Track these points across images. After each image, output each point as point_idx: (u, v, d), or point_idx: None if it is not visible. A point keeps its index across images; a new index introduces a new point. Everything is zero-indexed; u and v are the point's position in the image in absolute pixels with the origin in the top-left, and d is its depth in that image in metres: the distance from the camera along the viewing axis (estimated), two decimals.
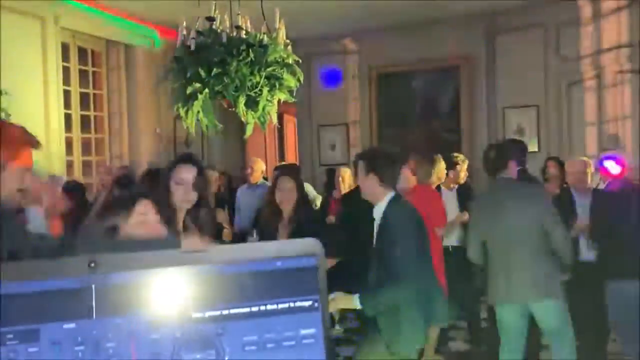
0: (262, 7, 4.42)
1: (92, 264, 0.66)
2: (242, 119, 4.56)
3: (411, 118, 7.86)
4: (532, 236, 3.40)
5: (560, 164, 4.98)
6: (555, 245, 3.41)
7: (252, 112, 4.55)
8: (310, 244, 0.73)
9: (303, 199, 3.66)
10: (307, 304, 0.72)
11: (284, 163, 7.24)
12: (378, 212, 2.98)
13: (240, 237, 4.73)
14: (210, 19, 4.42)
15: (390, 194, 2.99)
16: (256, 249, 0.73)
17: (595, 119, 6.48)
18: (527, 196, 3.52)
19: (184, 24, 4.44)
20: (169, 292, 0.69)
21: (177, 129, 7.33)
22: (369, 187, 2.99)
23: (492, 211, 3.52)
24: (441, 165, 4.81)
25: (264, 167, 6.20)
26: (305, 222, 3.50)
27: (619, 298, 3.62)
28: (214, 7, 4.38)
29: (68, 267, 0.67)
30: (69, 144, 6.54)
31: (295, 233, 3.47)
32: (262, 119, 4.62)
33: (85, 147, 6.96)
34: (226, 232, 4.53)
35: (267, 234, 3.59)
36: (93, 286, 0.67)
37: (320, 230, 3.50)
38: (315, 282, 0.73)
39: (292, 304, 0.72)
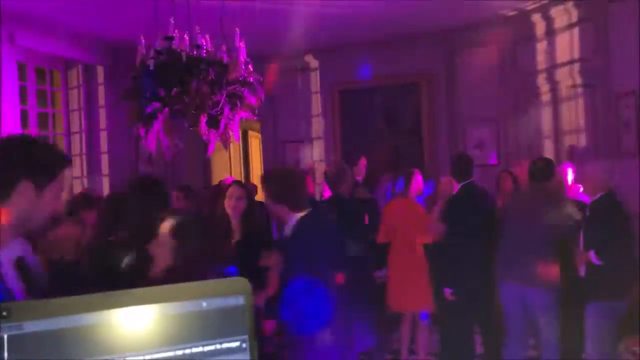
0: (221, 26, 4.41)
1: (4, 313, 0.64)
2: (204, 138, 4.53)
3: (374, 133, 7.93)
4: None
5: (514, 176, 5.21)
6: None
7: (214, 131, 4.53)
8: (237, 283, 0.72)
9: (252, 209, 3.67)
10: (234, 345, 0.71)
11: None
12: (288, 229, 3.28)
13: None
14: (169, 38, 4.39)
15: (296, 215, 3.16)
16: (181, 289, 0.71)
17: (552, 132, 6.65)
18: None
19: (143, 43, 4.40)
20: (87, 338, 0.67)
21: (139, 149, 7.23)
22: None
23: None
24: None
25: None
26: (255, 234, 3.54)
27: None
28: (172, 27, 4.35)
29: None
30: None
31: (244, 245, 3.47)
32: (224, 138, 4.60)
33: None
34: None
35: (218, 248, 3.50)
36: (5, 336, 0.64)
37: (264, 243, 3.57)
38: (243, 322, 0.71)
39: (219, 346, 0.70)
